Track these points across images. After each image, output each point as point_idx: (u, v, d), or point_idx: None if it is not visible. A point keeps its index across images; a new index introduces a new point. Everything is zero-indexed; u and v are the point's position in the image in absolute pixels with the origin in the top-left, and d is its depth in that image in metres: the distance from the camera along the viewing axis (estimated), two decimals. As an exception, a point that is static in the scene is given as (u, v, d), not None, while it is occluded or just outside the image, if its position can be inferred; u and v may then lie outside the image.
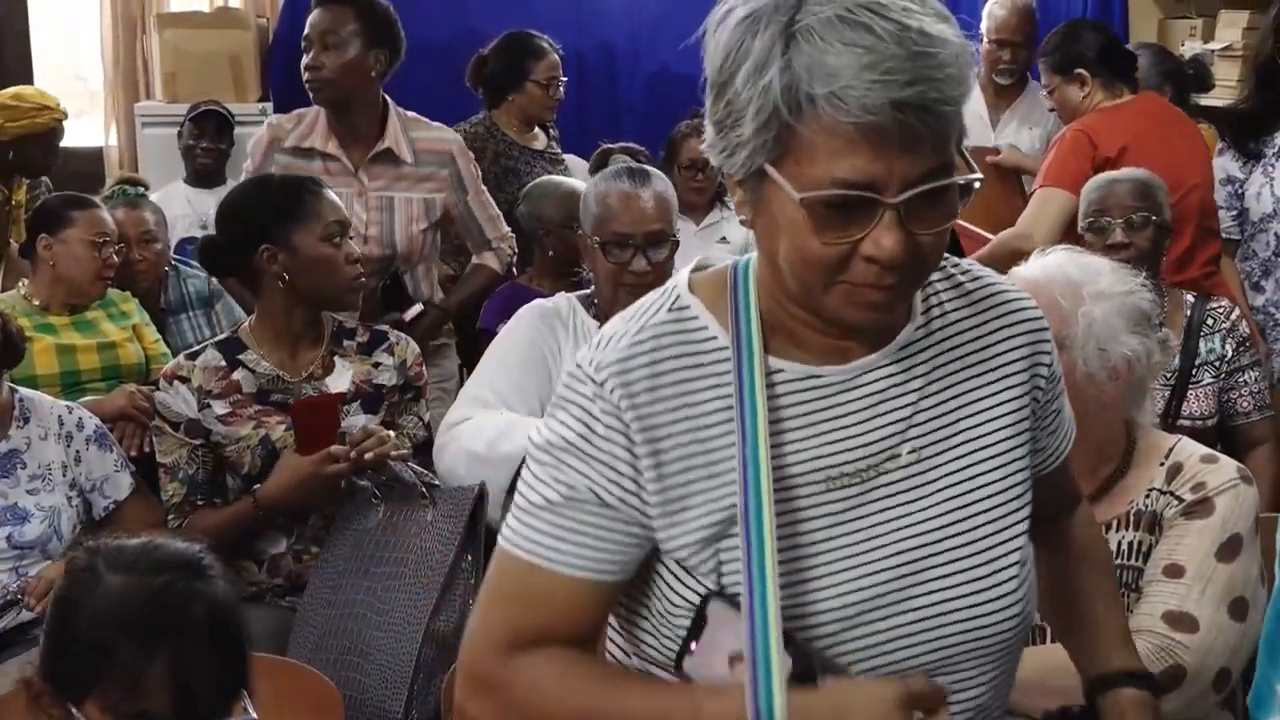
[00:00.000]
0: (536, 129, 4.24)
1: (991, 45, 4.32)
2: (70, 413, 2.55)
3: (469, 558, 2.29)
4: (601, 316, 2.56)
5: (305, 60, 3.17)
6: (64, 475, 2.49)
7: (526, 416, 2.37)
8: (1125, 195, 2.90)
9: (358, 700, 2.08)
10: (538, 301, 2.67)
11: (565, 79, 4.26)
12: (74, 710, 1.34)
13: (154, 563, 1.40)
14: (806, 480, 1.23)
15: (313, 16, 3.18)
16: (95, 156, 5.62)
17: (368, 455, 2.35)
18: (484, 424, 2.40)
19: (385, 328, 2.72)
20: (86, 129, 5.74)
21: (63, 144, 5.60)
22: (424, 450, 2.55)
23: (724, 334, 1.23)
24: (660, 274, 2.48)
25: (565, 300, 2.65)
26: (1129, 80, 3.57)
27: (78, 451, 2.52)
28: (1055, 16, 4.46)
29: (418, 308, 3.22)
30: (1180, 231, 3.30)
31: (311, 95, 3.21)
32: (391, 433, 2.44)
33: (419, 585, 2.22)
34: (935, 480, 1.27)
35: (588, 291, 2.67)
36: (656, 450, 1.20)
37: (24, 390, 2.54)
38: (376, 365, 2.59)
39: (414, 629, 2.17)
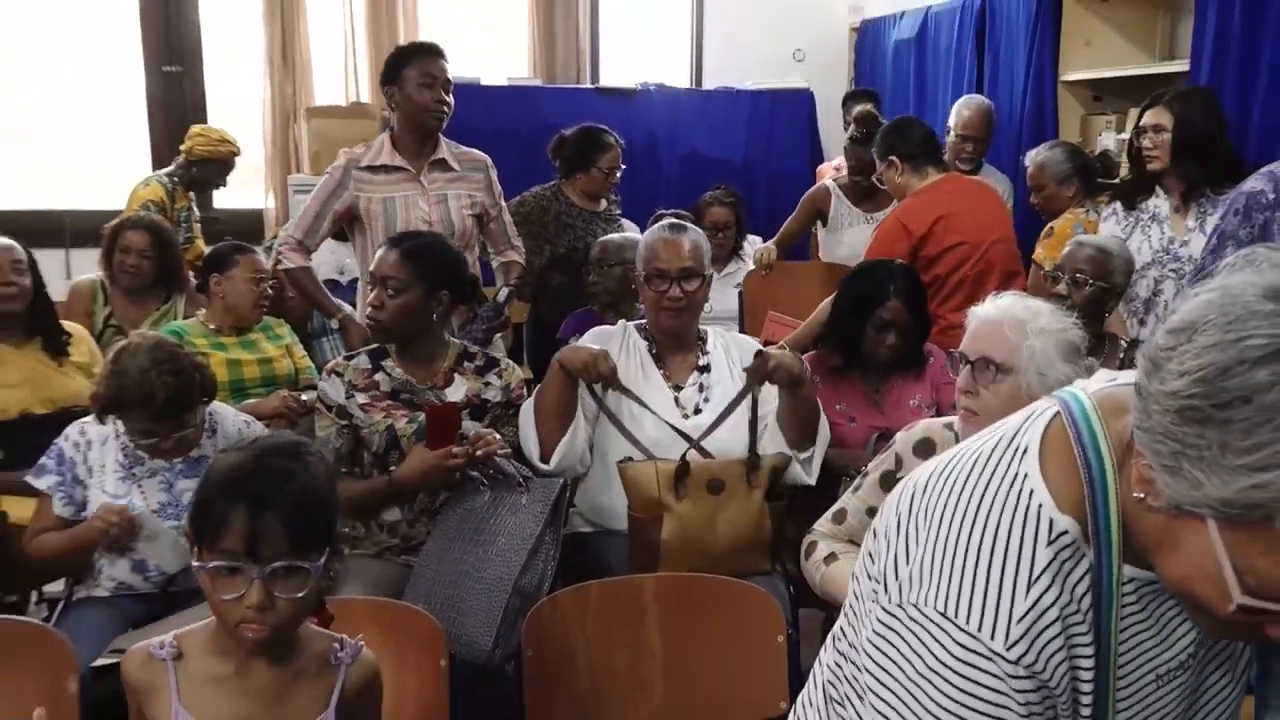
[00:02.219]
0: (600, 199, 4.25)
1: (957, 139, 4.28)
2: (247, 425, 2.51)
3: (550, 534, 2.28)
4: (650, 337, 2.65)
5: (432, 96, 3.28)
6: None
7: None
8: (1081, 260, 2.84)
9: (456, 636, 2.06)
10: (596, 331, 2.73)
11: (624, 167, 4.25)
12: (194, 547, 1.41)
13: (263, 446, 1.46)
14: (1146, 682, 1.02)
15: (429, 63, 3.29)
16: (257, 215, 5.64)
17: (480, 452, 2.34)
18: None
19: (500, 355, 2.71)
20: (250, 194, 5.76)
21: (232, 206, 5.74)
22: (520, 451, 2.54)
23: (1085, 543, 0.96)
24: (692, 302, 2.58)
25: (621, 325, 2.73)
26: (936, 163, 3.60)
27: None
28: (1000, 114, 4.43)
29: (504, 292, 3.29)
30: (989, 274, 3.40)
31: (434, 122, 3.32)
32: (498, 435, 2.42)
33: (511, 552, 2.21)
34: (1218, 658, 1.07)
35: (641, 320, 2.71)
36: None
37: (213, 406, 2.49)
38: (486, 384, 2.56)
39: (505, 584, 2.16)
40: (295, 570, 1.38)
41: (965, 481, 1.01)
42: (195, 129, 4.46)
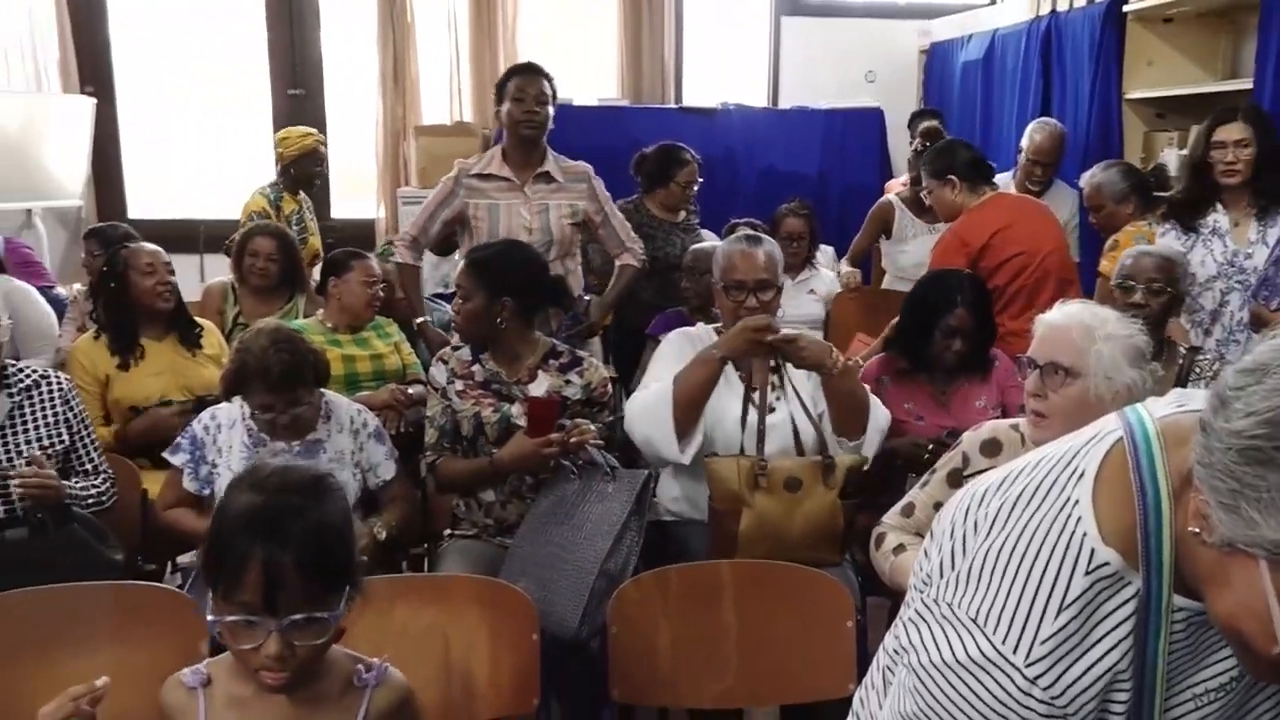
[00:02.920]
0: (679, 210, 4.24)
1: (1029, 162, 4.18)
2: (359, 414, 2.55)
3: (635, 521, 2.28)
4: None
5: (522, 109, 3.30)
6: (352, 459, 2.48)
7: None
8: (1151, 269, 2.73)
9: (546, 613, 2.07)
10: (683, 332, 2.69)
11: (701, 180, 4.23)
12: (210, 596, 1.27)
13: (279, 484, 1.29)
14: (1181, 702, 0.98)
15: (524, 80, 3.32)
16: (369, 225, 5.75)
17: (573, 441, 2.34)
18: (645, 392, 2.49)
19: (584, 354, 2.68)
20: (363, 206, 5.89)
21: (347, 216, 5.85)
22: (607, 443, 2.51)
23: (1131, 571, 0.92)
24: (767, 310, 2.51)
25: (704, 330, 2.68)
26: (988, 181, 3.53)
27: (362, 443, 2.51)
28: (1069, 136, 4.31)
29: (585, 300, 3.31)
30: (1045, 282, 3.28)
31: (527, 132, 3.32)
32: (592, 426, 2.42)
33: (598, 537, 2.21)
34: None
35: (720, 324, 2.65)
36: None
37: (328, 394, 2.55)
38: (567, 382, 2.55)
39: (591, 566, 2.17)
40: (313, 620, 1.26)
41: (1019, 499, 0.98)
42: (278, 136, 4.53)
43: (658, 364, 2.58)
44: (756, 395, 2.43)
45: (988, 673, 0.94)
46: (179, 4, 5.77)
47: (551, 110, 3.36)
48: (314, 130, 4.61)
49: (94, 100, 5.31)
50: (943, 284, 2.80)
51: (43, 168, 4.99)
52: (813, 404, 2.45)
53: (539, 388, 2.53)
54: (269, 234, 3.64)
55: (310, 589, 1.25)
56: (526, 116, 3.31)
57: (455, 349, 2.62)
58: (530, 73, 3.36)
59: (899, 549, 2.06)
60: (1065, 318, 1.90)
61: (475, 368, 2.56)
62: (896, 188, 4.88)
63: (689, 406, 2.39)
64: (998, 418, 2.41)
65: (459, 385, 2.54)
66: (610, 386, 2.64)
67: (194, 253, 4.61)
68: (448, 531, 2.58)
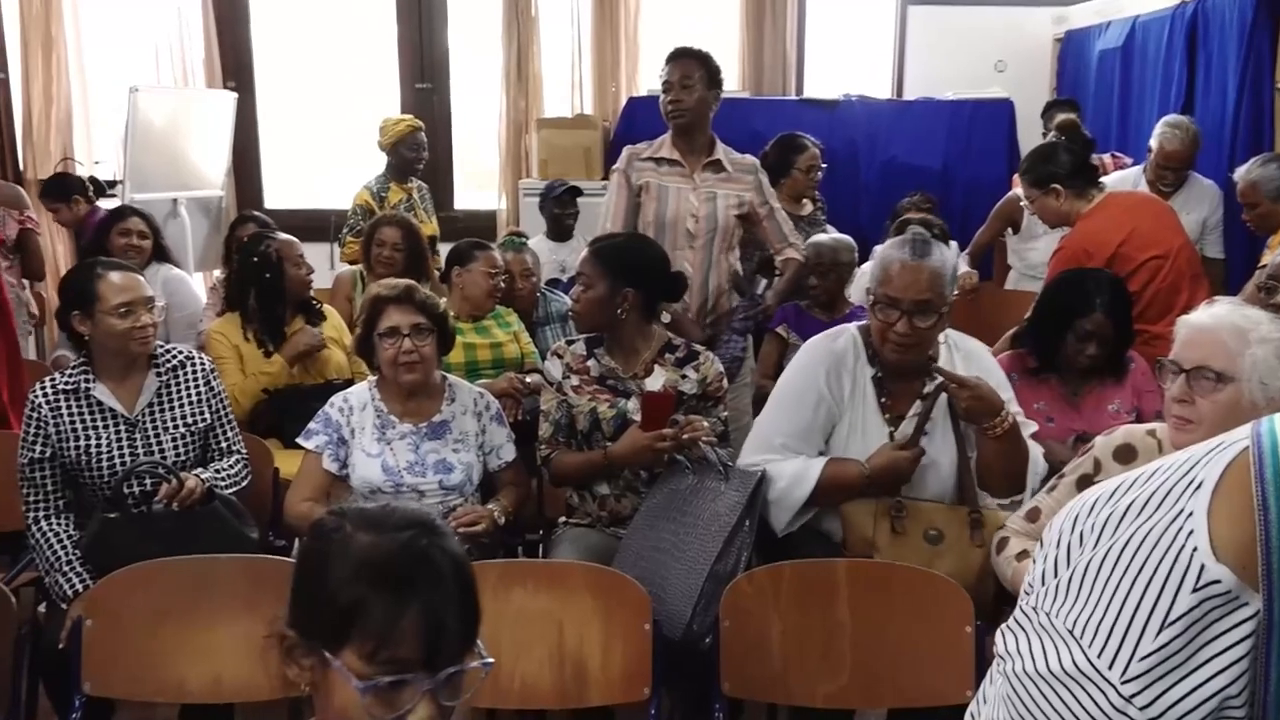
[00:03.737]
0: (804, 200, 4.20)
1: (1159, 165, 3.96)
2: (481, 397, 2.59)
3: (747, 523, 2.24)
4: (875, 359, 2.29)
5: (667, 99, 3.24)
6: (475, 440, 2.52)
7: (810, 459, 2.24)
8: None
9: (657, 608, 2.07)
10: (826, 344, 2.34)
11: (825, 165, 4.18)
12: (330, 656, 1.05)
13: (395, 522, 1.11)
14: None
15: (670, 66, 3.26)
16: (491, 216, 5.84)
17: (686, 436, 2.33)
18: (779, 471, 2.24)
19: (700, 348, 2.60)
20: (485, 197, 6.01)
21: (470, 207, 5.98)
22: (721, 441, 2.48)
23: (1249, 591, 0.86)
24: (922, 339, 2.20)
25: (850, 338, 2.33)
26: (1094, 183, 3.30)
27: (484, 425, 2.55)
28: (1210, 123, 4.09)
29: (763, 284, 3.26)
30: (1180, 282, 3.10)
31: (673, 120, 3.26)
32: (706, 422, 2.40)
33: (709, 536, 2.19)
34: None
35: (866, 325, 2.33)
36: None
37: (451, 378, 2.61)
38: (683, 376, 2.52)
39: (701, 567, 2.15)
40: (465, 674, 1.09)
41: (1129, 509, 0.93)
42: (380, 125, 4.65)
43: (788, 412, 2.30)
44: (898, 429, 2.25)
45: (1082, 687, 0.90)
46: (315, 1, 5.99)
47: (704, 93, 3.23)
48: (408, 117, 4.72)
49: (235, 95, 5.56)
50: (1081, 285, 2.68)
51: (188, 160, 5.26)
52: (970, 441, 2.25)
53: (655, 382, 2.52)
54: (394, 224, 3.76)
55: (468, 635, 1.09)
56: (670, 104, 3.26)
57: (570, 343, 2.63)
58: (676, 57, 3.28)
59: (1022, 555, 2.00)
60: (1213, 319, 1.80)
61: (590, 362, 2.56)
62: (1025, 181, 4.72)
63: (822, 502, 2.24)
64: (1132, 423, 2.32)
65: (574, 380, 2.54)
66: (725, 381, 2.62)
67: (324, 241, 4.78)
68: (562, 519, 2.62)
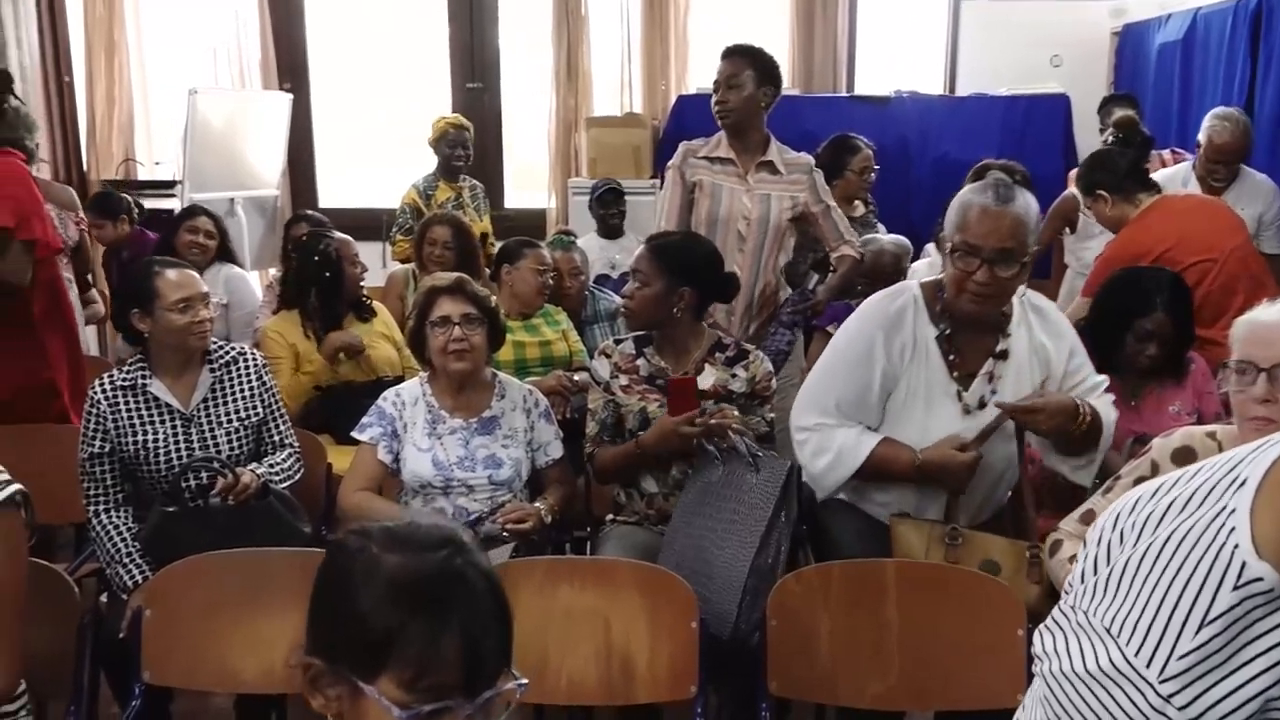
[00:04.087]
0: (856, 202, 4.17)
1: (1209, 160, 3.86)
2: (531, 394, 2.61)
3: (784, 514, 2.23)
4: (944, 315, 2.15)
5: (714, 99, 3.22)
6: (524, 437, 2.53)
7: (863, 433, 2.16)
8: None
9: (702, 607, 2.06)
10: (883, 304, 2.20)
11: (877, 168, 4.15)
12: (365, 685, 1.00)
13: (425, 540, 1.05)
14: None
15: (720, 65, 3.23)
16: (540, 214, 5.88)
17: (712, 421, 2.33)
18: (828, 442, 2.17)
19: (750, 347, 2.61)
20: (535, 196, 6.04)
21: (519, 206, 6.01)
22: (766, 440, 2.48)
23: None
24: (1002, 289, 2.08)
25: (910, 299, 2.17)
26: (1145, 186, 3.27)
27: (533, 422, 2.56)
28: (1275, 118, 3.98)
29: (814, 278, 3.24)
30: (1235, 284, 3.01)
31: (720, 120, 3.23)
32: (734, 409, 2.40)
33: (746, 530, 2.18)
34: None
35: (937, 278, 2.19)
36: None
37: (501, 375, 2.63)
38: (733, 375, 2.52)
39: (742, 563, 2.14)
40: (502, 696, 1.04)
41: (1170, 506, 0.92)
42: (430, 125, 4.72)
43: (842, 373, 2.19)
44: (968, 389, 2.14)
45: (1119, 686, 0.89)
46: (368, 3, 6.07)
47: (753, 92, 3.19)
48: (451, 115, 4.77)
49: (290, 95, 5.65)
50: (1139, 284, 2.62)
51: (245, 160, 5.36)
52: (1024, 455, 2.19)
53: (705, 381, 2.51)
54: (445, 222, 3.80)
55: (505, 655, 1.04)
56: (716, 104, 3.25)
57: (618, 342, 2.62)
58: (726, 56, 3.25)
59: (1074, 558, 1.97)
60: None
61: (639, 362, 2.55)
62: (1082, 178, 4.64)
63: (866, 479, 2.19)
64: (1193, 424, 2.26)
65: (623, 380, 2.54)
66: (773, 382, 2.60)
67: (376, 240, 4.84)
68: (609, 516, 2.63)
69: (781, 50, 5.81)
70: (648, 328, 2.58)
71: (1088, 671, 0.91)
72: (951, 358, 2.15)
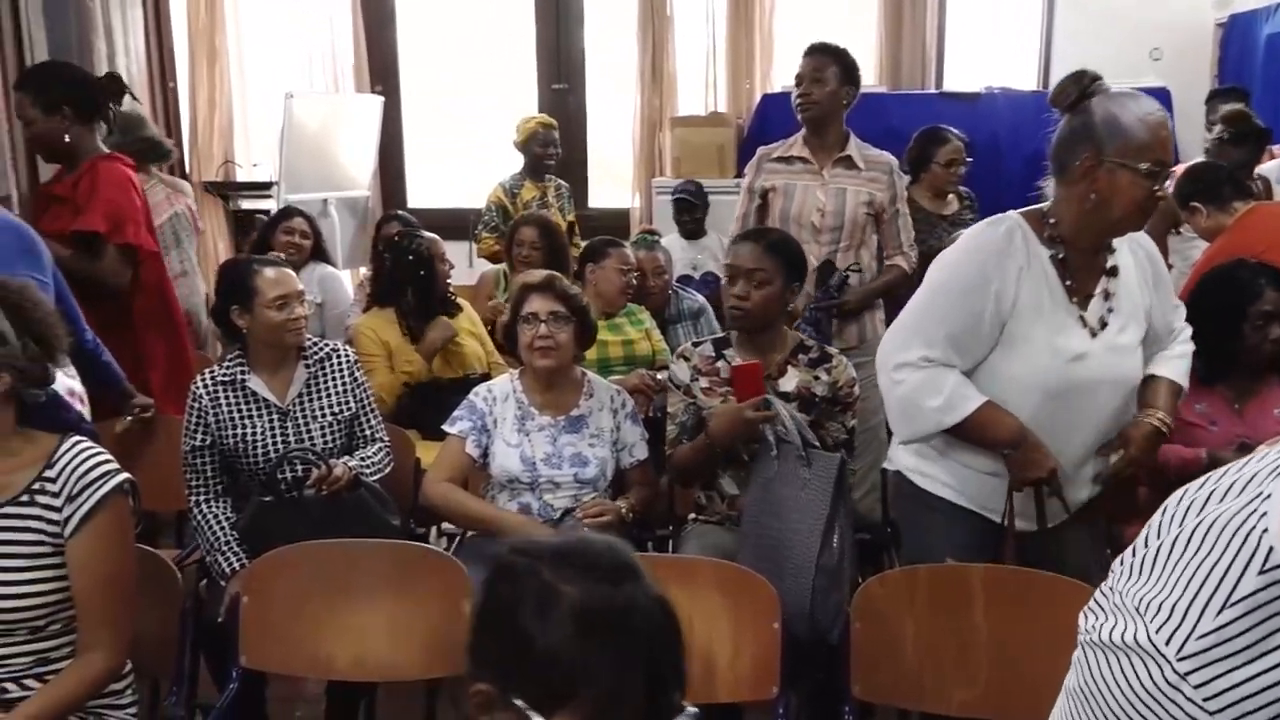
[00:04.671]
0: (950, 197, 4.09)
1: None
2: (618, 394, 2.63)
3: (841, 511, 2.21)
4: (1053, 242, 2.00)
5: (798, 93, 3.22)
6: (610, 436, 2.56)
7: (969, 394, 1.98)
8: None
9: (781, 601, 2.06)
10: (988, 231, 2.04)
11: (970, 159, 4.07)
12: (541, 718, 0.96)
13: (601, 568, 1.01)
14: None
15: (805, 62, 3.24)
16: (623, 214, 5.90)
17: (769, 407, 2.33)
18: (939, 382, 1.98)
19: (833, 350, 2.58)
20: (618, 196, 6.07)
21: (603, 206, 6.05)
22: (847, 448, 2.45)
23: None
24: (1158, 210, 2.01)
25: (1015, 224, 2.03)
26: (1240, 194, 3.23)
27: (619, 422, 2.59)
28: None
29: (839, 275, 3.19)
30: None
31: (802, 114, 3.23)
32: (782, 405, 2.35)
33: (806, 529, 2.18)
34: None
35: (1038, 207, 2.08)
36: None
37: (589, 374, 2.65)
38: (816, 379, 2.49)
39: (808, 566, 2.13)
40: None
41: (1213, 494, 0.93)
42: (516, 125, 4.75)
43: (953, 307, 2.00)
44: (1087, 311, 2.00)
45: (1140, 659, 0.91)
46: (457, 5, 6.17)
47: (837, 89, 3.21)
48: (538, 115, 4.81)
49: (382, 98, 5.78)
50: (1234, 277, 2.55)
51: (338, 162, 5.50)
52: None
53: (788, 383, 2.48)
54: (532, 223, 3.85)
55: (682, 688, 1.01)
56: (800, 99, 3.24)
57: (696, 344, 2.59)
58: (811, 53, 3.26)
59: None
60: None
61: (720, 364, 2.53)
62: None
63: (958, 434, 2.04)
64: None
65: (703, 383, 2.53)
66: (857, 388, 2.55)
67: (463, 240, 4.92)
68: (691, 516, 2.63)
69: (868, 46, 5.74)
70: (763, 328, 2.52)
71: (1111, 641, 0.94)
72: (1068, 283, 2.01)
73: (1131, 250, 2.09)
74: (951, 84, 5.71)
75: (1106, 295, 2.04)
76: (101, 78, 3.18)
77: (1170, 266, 4.31)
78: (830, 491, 2.19)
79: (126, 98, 3.24)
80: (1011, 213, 2.08)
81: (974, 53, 5.89)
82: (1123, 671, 0.93)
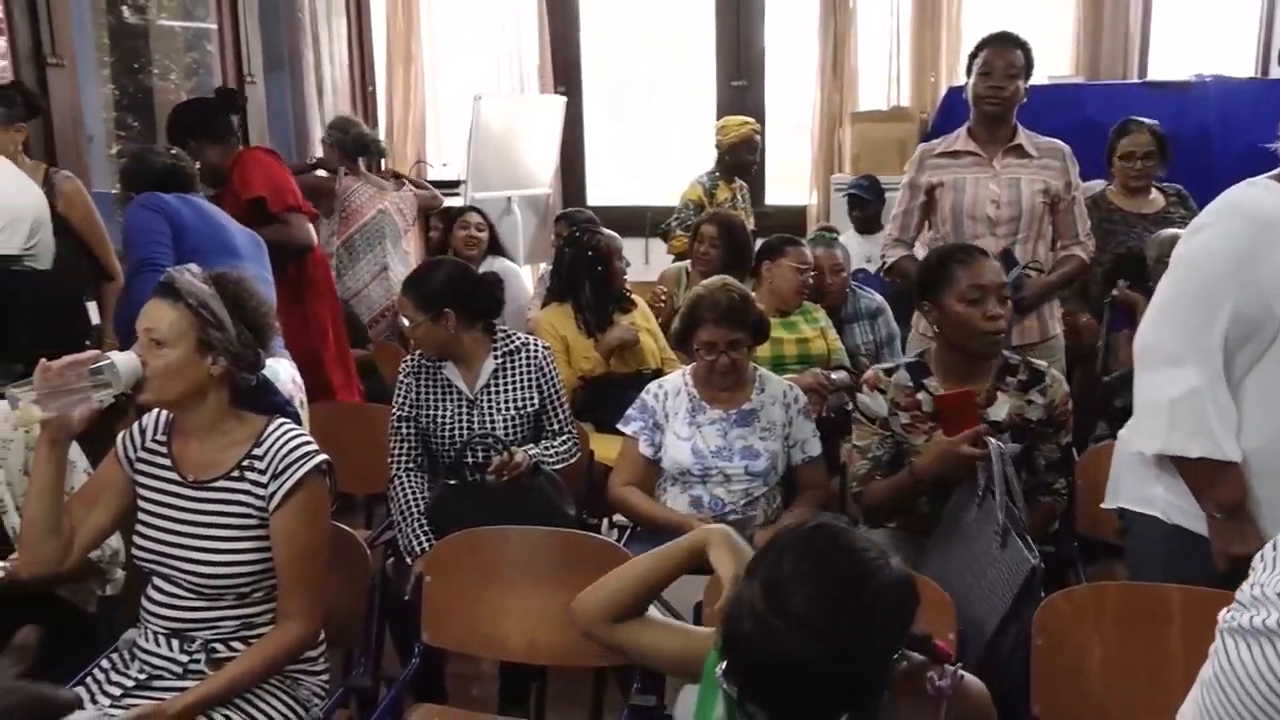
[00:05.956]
0: (1153, 194, 3.84)
1: None
2: (791, 389, 2.63)
3: (1023, 615, 1.93)
4: None
5: (986, 84, 3.12)
6: (781, 431, 2.56)
7: (1212, 385, 1.76)
8: None
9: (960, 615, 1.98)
10: (1251, 194, 1.84)
11: (1159, 154, 3.81)
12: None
13: (844, 576, 1.18)
14: None
15: (993, 52, 3.13)
16: (801, 211, 5.85)
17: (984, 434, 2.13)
18: (1222, 402, 1.76)
19: (1043, 366, 2.37)
20: (796, 193, 6.01)
21: (780, 203, 6.00)
22: (1062, 468, 2.34)
23: None
24: None
25: (1264, 185, 1.83)
26: None
27: (791, 417, 2.59)
28: None
29: (1018, 270, 3.04)
30: None
31: (989, 108, 3.13)
32: (996, 441, 2.11)
33: (986, 605, 1.98)
34: None
35: None
36: None
37: (761, 369, 2.67)
38: (1029, 402, 2.30)
39: (1001, 604, 1.95)
40: None
41: None
42: (718, 124, 4.72)
43: (1226, 242, 1.78)
44: None
45: (1271, 643, 0.95)
46: (639, 5, 6.26)
47: (1023, 84, 3.13)
48: (751, 119, 4.79)
49: (565, 98, 5.93)
50: None
51: (521, 161, 5.68)
52: None
53: (999, 411, 2.28)
54: (712, 221, 3.86)
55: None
56: (990, 92, 3.11)
57: (888, 372, 2.38)
58: (1000, 43, 3.15)
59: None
60: None
61: (920, 396, 2.32)
62: None
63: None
64: None
65: (904, 418, 2.33)
66: (1070, 404, 2.35)
67: (639, 237, 4.98)
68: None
69: (1065, 35, 5.48)
70: (999, 350, 2.30)
71: (1253, 626, 0.99)
72: None
73: None
74: (1156, 73, 5.37)
75: None
76: (214, 100, 3.64)
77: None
78: (1013, 595, 1.95)
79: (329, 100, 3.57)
80: (1259, 178, 1.84)
81: (1184, 39, 5.51)
82: (1264, 655, 0.97)
